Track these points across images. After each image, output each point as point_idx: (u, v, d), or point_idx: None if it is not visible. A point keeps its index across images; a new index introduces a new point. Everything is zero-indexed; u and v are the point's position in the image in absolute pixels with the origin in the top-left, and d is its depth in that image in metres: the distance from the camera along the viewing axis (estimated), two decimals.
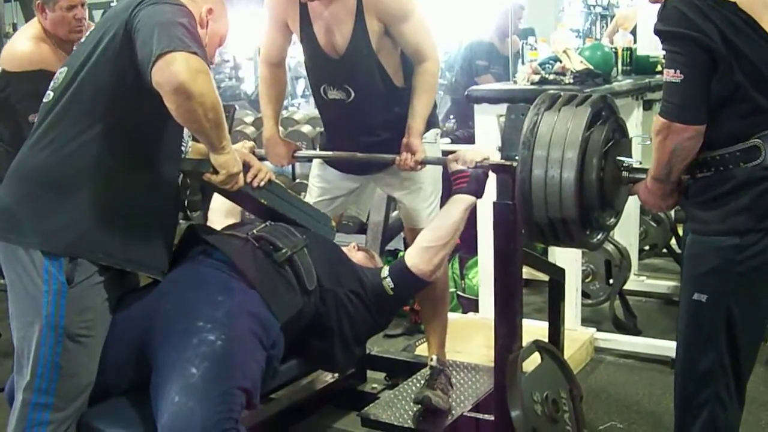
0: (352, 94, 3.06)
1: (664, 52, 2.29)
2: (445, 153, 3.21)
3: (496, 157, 2.78)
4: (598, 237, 2.67)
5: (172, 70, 2.09)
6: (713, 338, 2.36)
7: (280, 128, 4.51)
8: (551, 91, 2.67)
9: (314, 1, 2.95)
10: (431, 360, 3.20)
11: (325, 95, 3.13)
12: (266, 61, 3.27)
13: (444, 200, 3.06)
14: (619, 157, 2.54)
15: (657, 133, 2.28)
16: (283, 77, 3.35)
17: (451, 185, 2.92)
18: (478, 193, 2.85)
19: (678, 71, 2.21)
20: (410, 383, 3.27)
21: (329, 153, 3.25)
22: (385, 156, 3.08)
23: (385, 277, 2.75)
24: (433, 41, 3.07)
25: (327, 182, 3.32)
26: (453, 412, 3.07)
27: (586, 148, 2.46)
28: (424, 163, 3.02)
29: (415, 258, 2.77)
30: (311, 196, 3.36)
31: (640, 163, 2.61)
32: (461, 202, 2.83)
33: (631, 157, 2.60)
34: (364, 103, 3.04)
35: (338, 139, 3.23)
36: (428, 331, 3.31)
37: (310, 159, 3.52)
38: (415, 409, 3.06)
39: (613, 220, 2.72)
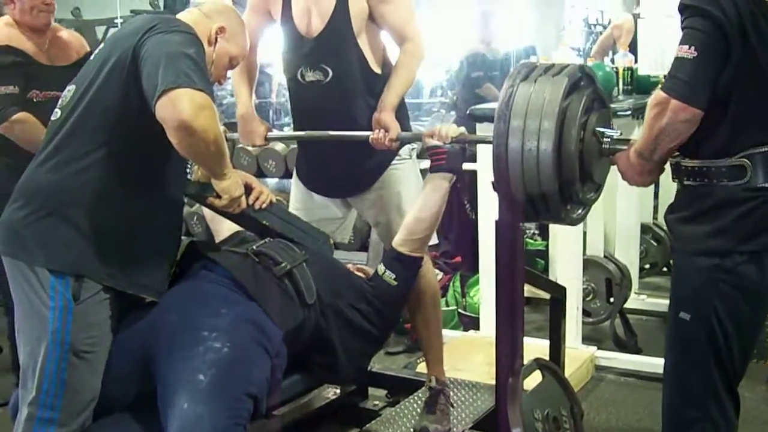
0: (330, 74, 3.03)
1: (682, 27, 2.20)
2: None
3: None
4: (579, 212, 2.59)
5: (175, 108, 2.12)
6: (699, 356, 2.34)
7: (281, 144, 4.49)
8: (527, 62, 2.63)
9: None
10: (430, 381, 3.16)
11: (302, 79, 3.08)
12: None
13: None
14: (599, 128, 2.47)
15: (652, 107, 2.20)
16: (254, 60, 3.32)
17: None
18: (457, 170, 2.85)
19: (693, 48, 2.14)
20: (411, 400, 3.28)
21: (301, 133, 3.21)
22: (358, 134, 3.02)
23: (384, 272, 2.81)
24: (415, 24, 3.06)
25: (305, 207, 3.30)
26: (454, 430, 3.07)
27: (564, 118, 2.37)
28: (398, 140, 2.97)
29: (404, 247, 2.83)
30: None
31: (621, 134, 2.54)
32: (441, 184, 2.83)
33: (611, 127, 2.53)
34: (342, 83, 3.02)
35: (314, 123, 3.16)
36: (425, 350, 3.27)
37: (283, 140, 3.50)
38: (415, 426, 3.06)
39: (593, 194, 2.62)
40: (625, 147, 2.42)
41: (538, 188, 2.37)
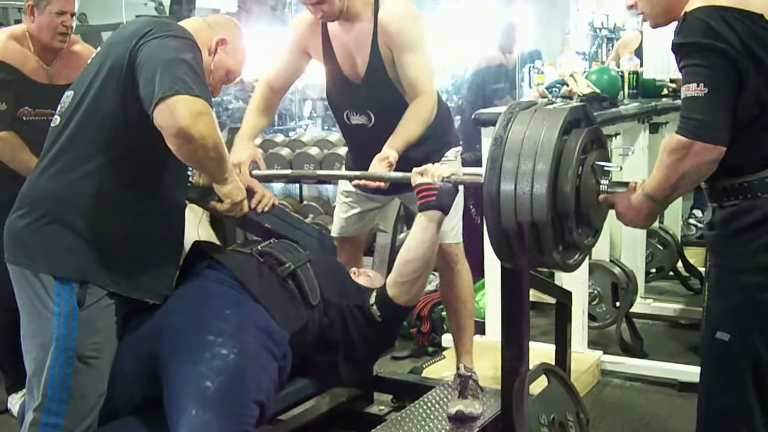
0: (373, 119, 3.11)
1: (681, 67, 2.13)
2: None
3: None
4: (575, 258, 2.52)
5: (173, 115, 2.12)
6: (737, 377, 2.23)
7: (287, 149, 4.47)
8: (524, 100, 2.56)
9: (335, 24, 3.03)
10: (458, 369, 3.29)
11: (348, 120, 3.19)
12: (269, 83, 3.30)
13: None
14: (598, 162, 2.40)
15: (671, 152, 2.11)
16: (276, 103, 3.38)
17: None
18: (448, 207, 2.72)
19: (701, 85, 2.05)
20: (417, 405, 3.27)
21: (287, 172, 3.20)
22: (346, 174, 3.07)
23: (372, 305, 2.73)
24: (431, 81, 3.06)
25: (355, 197, 3.35)
26: None
27: (560, 159, 2.30)
28: (384, 180, 2.90)
29: (394, 290, 2.71)
30: (341, 211, 3.43)
31: (620, 169, 2.48)
32: (432, 224, 2.69)
33: (609, 169, 2.45)
34: (385, 127, 3.02)
35: (363, 161, 3.12)
36: (455, 342, 3.39)
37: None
38: (421, 431, 3.06)
39: (591, 239, 2.56)
40: (623, 189, 2.36)
41: (531, 232, 2.29)
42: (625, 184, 2.39)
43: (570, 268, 2.54)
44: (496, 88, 6.30)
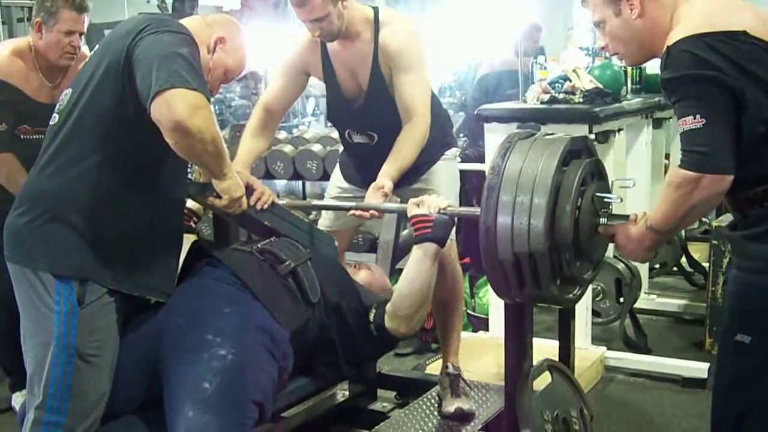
0: (375, 138, 3.12)
1: (674, 102, 2.08)
2: None
3: None
4: (575, 292, 2.51)
5: (170, 108, 2.11)
6: (757, 380, 2.18)
7: (290, 146, 4.42)
8: (520, 130, 2.50)
9: (334, 43, 3.01)
10: (447, 368, 3.23)
11: (350, 139, 3.20)
12: (267, 106, 3.24)
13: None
14: (597, 194, 2.38)
15: (678, 187, 2.07)
16: (275, 126, 3.35)
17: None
18: (444, 240, 2.68)
19: (698, 116, 2.00)
20: (421, 402, 3.27)
21: (283, 201, 3.20)
22: (343, 205, 3.09)
23: (371, 323, 2.70)
24: (427, 104, 3.03)
25: (349, 194, 3.32)
26: (463, 430, 3.07)
27: (558, 192, 2.28)
28: (380, 211, 2.91)
29: (392, 323, 2.68)
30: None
31: (621, 200, 2.45)
32: (427, 257, 2.65)
33: (609, 200, 2.42)
34: (387, 146, 3.01)
35: (365, 172, 3.16)
36: (442, 342, 3.35)
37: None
38: (425, 428, 3.06)
39: (590, 273, 2.54)
40: (623, 222, 2.34)
41: (528, 265, 2.28)
42: (626, 216, 2.37)
43: (568, 303, 2.54)
44: (509, 94, 6.28)
